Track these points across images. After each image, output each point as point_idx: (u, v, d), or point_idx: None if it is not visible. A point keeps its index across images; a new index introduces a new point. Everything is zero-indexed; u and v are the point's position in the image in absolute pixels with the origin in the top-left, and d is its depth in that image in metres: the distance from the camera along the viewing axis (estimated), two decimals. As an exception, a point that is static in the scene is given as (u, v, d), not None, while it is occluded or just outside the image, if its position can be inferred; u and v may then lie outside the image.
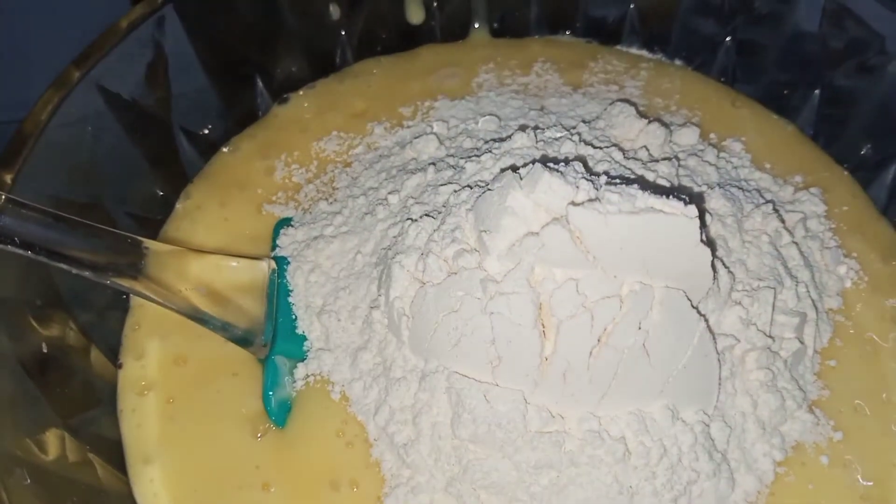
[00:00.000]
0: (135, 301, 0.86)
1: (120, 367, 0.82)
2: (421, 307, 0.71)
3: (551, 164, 0.69)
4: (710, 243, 0.66)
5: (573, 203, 0.65)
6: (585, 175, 0.69)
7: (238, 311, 0.78)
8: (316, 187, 0.94)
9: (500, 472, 0.68)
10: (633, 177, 0.78)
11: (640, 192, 0.66)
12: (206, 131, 1.00)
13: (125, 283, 0.71)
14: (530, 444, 0.67)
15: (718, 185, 0.85)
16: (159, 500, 0.73)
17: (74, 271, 0.67)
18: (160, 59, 0.92)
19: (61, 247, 0.66)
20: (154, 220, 0.93)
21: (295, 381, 0.78)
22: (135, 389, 0.80)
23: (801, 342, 0.76)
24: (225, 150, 0.99)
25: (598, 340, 0.65)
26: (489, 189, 0.72)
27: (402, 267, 0.74)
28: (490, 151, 0.83)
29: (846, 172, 0.97)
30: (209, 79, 0.98)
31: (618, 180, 0.70)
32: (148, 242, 0.73)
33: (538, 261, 0.66)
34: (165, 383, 0.80)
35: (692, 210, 0.64)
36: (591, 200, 0.65)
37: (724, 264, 0.75)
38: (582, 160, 0.77)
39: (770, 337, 0.74)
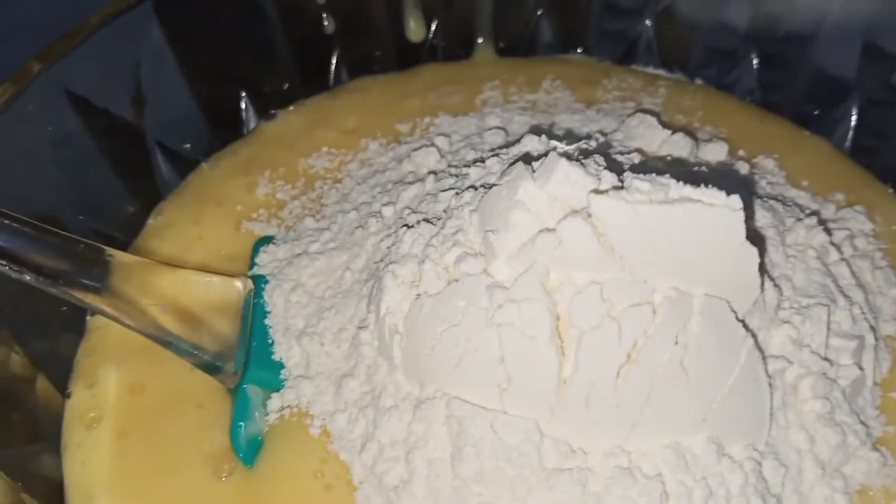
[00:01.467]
0: (93, 323, 0.76)
1: (68, 396, 0.71)
2: (416, 322, 0.61)
3: (570, 152, 0.59)
4: (756, 242, 0.56)
5: (595, 191, 0.55)
6: (608, 166, 0.59)
7: (208, 334, 0.70)
8: (302, 204, 0.85)
9: (510, 518, 0.57)
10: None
11: (673, 181, 0.56)
12: (186, 147, 0.91)
13: (81, 294, 0.63)
14: (546, 483, 0.57)
15: (755, 195, 0.75)
16: (101, 550, 0.61)
17: (14, 276, 0.59)
18: (135, 65, 0.84)
19: (3, 248, 0.58)
20: (121, 241, 0.84)
21: (268, 414, 0.67)
22: (83, 422, 0.69)
23: (861, 369, 0.66)
24: (204, 164, 0.91)
25: (627, 357, 0.56)
26: (497, 184, 0.62)
27: (394, 276, 0.64)
28: (497, 156, 0.74)
29: (890, 190, 0.88)
30: (190, 90, 0.91)
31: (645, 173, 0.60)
32: (111, 251, 0.66)
33: (554, 262, 0.57)
34: (118, 415, 0.70)
35: (736, 200, 0.55)
36: (615, 188, 0.55)
37: (769, 277, 0.65)
38: (604, 153, 0.67)
39: (826, 360, 0.63)
